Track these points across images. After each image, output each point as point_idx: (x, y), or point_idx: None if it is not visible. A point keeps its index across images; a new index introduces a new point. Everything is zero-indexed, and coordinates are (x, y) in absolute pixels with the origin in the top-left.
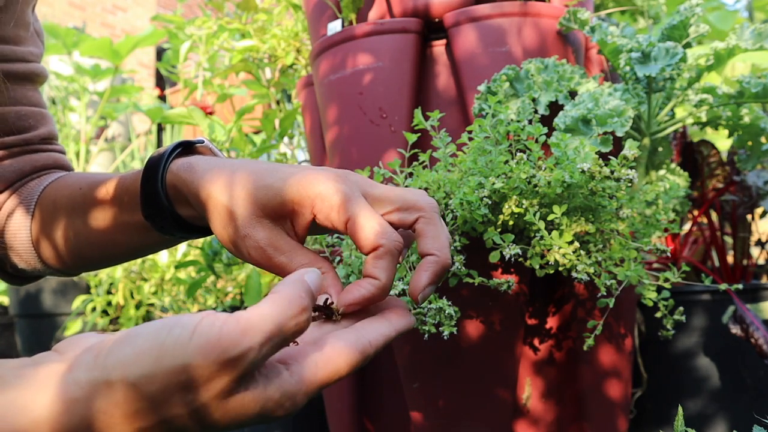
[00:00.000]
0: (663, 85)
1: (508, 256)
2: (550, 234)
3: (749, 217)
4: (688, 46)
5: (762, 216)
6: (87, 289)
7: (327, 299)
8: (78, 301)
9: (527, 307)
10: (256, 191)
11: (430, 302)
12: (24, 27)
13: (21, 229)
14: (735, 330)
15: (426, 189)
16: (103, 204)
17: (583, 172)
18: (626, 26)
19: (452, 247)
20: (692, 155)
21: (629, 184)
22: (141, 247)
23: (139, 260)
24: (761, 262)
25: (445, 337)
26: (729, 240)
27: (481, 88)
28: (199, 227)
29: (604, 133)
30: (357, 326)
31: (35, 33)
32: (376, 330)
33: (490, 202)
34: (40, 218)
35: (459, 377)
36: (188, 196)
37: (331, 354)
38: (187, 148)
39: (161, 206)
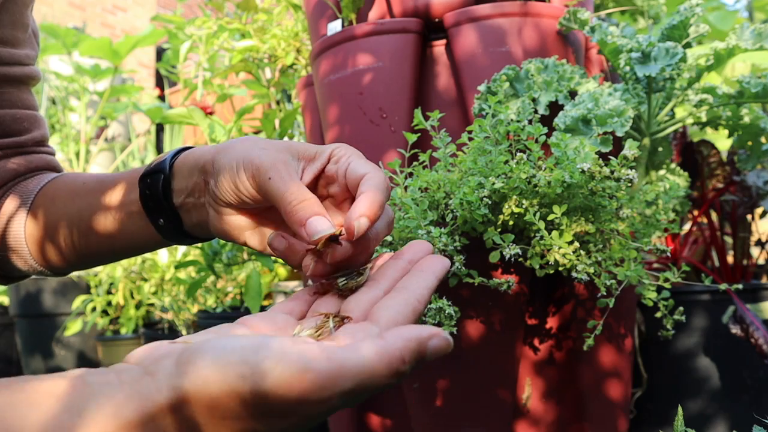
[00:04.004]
0: (663, 85)
1: (508, 256)
2: (550, 234)
3: (749, 217)
4: (688, 46)
5: (762, 216)
6: (87, 289)
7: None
8: (78, 301)
9: (527, 307)
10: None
11: (430, 302)
12: (22, 29)
13: (20, 230)
14: (735, 330)
15: (426, 189)
16: (107, 193)
17: (583, 172)
18: (626, 26)
19: (452, 247)
20: (692, 155)
21: (629, 184)
22: (137, 242)
23: (139, 260)
24: (761, 262)
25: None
26: (729, 240)
27: (481, 88)
28: (191, 232)
29: (604, 133)
30: (401, 288)
31: (32, 34)
32: (419, 285)
33: (490, 202)
34: (38, 214)
35: (459, 377)
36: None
37: (388, 323)
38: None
39: (158, 194)
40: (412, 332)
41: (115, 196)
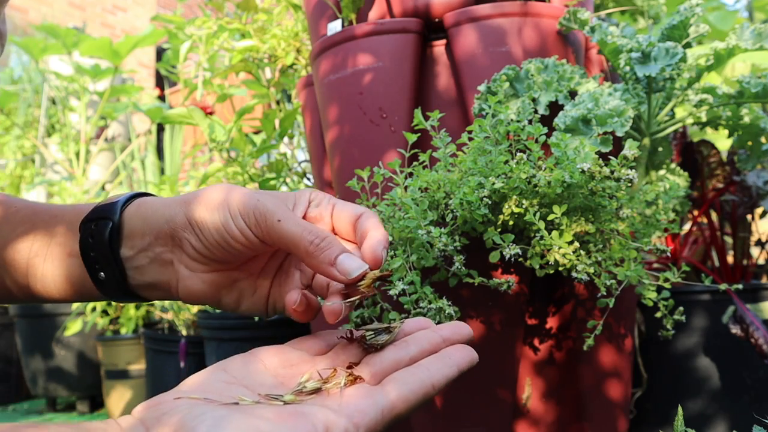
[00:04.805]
0: (663, 85)
1: (508, 256)
2: (550, 234)
3: (749, 217)
4: (688, 46)
5: (762, 216)
6: None
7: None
8: None
9: (527, 307)
10: None
11: (430, 302)
12: None
13: None
14: (735, 330)
15: (426, 189)
16: (41, 228)
17: (583, 172)
18: (626, 26)
19: (452, 247)
20: (692, 155)
21: (629, 184)
22: (66, 290)
23: None
24: (761, 262)
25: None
26: (729, 240)
27: (481, 88)
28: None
29: (604, 133)
30: (422, 366)
31: None
32: (439, 371)
33: (490, 202)
34: None
35: (459, 377)
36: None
37: (396, 401)
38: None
39: (103, 243)
40: None
41: (50, 234)
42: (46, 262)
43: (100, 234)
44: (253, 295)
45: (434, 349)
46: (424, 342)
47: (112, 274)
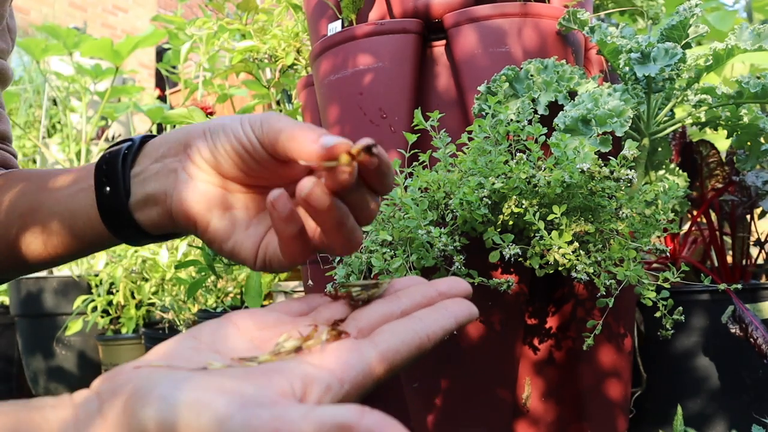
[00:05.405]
0: (662, 86)
1: (507, 256)
2: (549, 234)
3: (748, 217)
4: (687, 46)
5: (761, 216)
6: (88, 289)
7: None
8: (79, 301)
9: (527, 307)
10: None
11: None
12: None
13: None
14: (734, 330)
15: (426, 189)
16: (63, 175)
17: (582, 172)
18: (625, 27)
19: (452, 247)
20: (691, 155)
21: (629, 184)
22: (69, 224)
23: (140, 260)
24: (760, 262)
25: (445, 337)
26: (728, 240)
27: (481, 88)
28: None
29: (604, 133)
30: (416, 317)
31: (6, 29)
32: (435, 321)
33: (490, 202)
34: None
35: (459, 377)
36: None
37: (386, 353)
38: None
39: (116, 160)
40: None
41: (71, 176)
42: (63, 205)
43: (117, 151)
44: (246, 231)
45: (429, 303)
46: (417, 295)
47: (116, 188)
